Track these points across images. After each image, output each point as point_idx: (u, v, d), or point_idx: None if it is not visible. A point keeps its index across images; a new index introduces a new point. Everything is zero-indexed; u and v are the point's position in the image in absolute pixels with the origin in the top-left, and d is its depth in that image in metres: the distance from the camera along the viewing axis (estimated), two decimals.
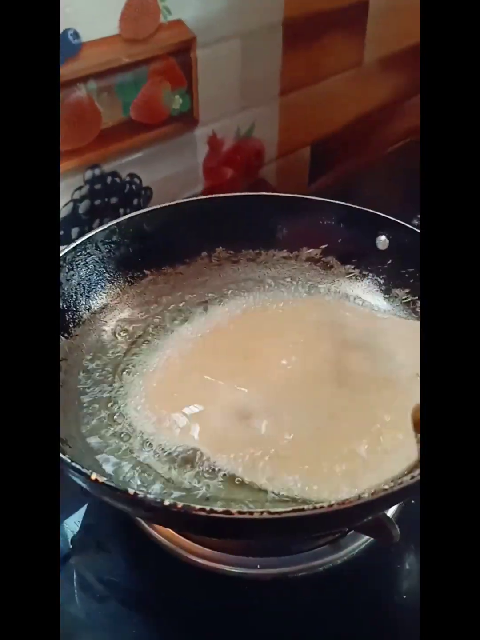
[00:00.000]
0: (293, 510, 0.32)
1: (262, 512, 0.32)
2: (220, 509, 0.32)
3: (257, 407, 0.44)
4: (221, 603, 0.44)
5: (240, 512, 0.32)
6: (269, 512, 0.32)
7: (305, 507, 0.32)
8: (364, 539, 0.47)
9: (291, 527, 0.34)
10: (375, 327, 0.53)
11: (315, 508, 0.32)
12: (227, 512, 0.32)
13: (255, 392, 0.45)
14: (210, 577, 0.45)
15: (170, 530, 0.47)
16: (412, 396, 0.47)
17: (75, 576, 0.46)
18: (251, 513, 0.32)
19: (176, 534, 0.46)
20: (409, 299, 0.55)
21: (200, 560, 0.45)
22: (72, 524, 0.50)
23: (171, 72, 0.73)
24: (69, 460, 0.35)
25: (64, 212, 0.70)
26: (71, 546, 0.48)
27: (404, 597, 0.45)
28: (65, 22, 0.60)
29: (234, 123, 0.84)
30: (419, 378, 0.48)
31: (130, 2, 0.64)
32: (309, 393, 0.46)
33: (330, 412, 0.45)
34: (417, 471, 0.34)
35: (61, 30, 0.60)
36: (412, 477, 0.34)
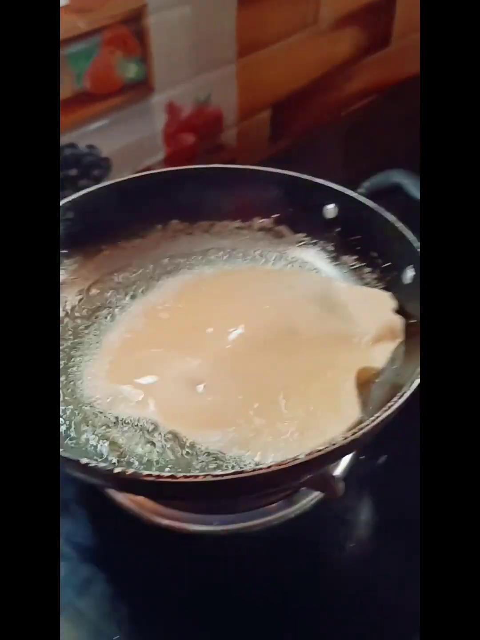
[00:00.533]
0: (234, 473, 0.35)
1: (205, 475, 0.35)
2: (166, 474, 0.35)
3: (207, 374, 0.46)
4: (181, 559, 0.47)
5: (185, 476, 0.35)
6: (212, 475, 0.35)
7: (245, 469, 0.35)
8: (314, 495, 0.50)
9: (233, 489, 0.37)
10: (329, 292, 0.56)
11: (254, 470, 0.35)
12: (173, 476, 0.35)
13: (205, 361, 0.47)
14: (171, 535, 0.48)
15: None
16: (362, 359, 0.50)
17: None
18: (196, 476, 0.35)
19: (137, 495, 0.49)
20: (356, 266, 0.57)
21: (160, 520, 0.48)
22: None
23: (124, 41, 0.73)
24: None
25: None
26: None
27: (351, 545, 0.48)
28: None
29: (192, 89, 0.83)
30: (373, 344, 0.51)
31: None
32: (258, 357, 0.48)
33: (279, 375, 0.47)
34: (351, 432, 0.37)
35: None
36: (345, 439, 0.36)
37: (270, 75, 0.93)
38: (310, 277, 0.57)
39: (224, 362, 0.47)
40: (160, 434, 0.44)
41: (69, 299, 0.56)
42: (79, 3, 0.66)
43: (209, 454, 0.43)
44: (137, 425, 0.45)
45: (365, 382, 0.48)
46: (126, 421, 0.46)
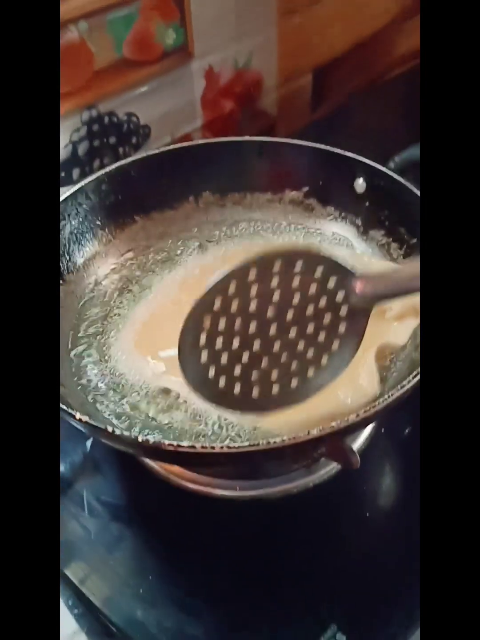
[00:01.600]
0: (249, 445, 0.36)
1: (222, 447, 0.36)
2: (186, 444, 0.36)
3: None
4: (205, 521, 0.50)
5: (203, 447, 0.36)
6: (228, 447, 0.37)
7: (261, 442, 0.36)
8: (334, 465, 0.51)
9: (248, 459, 0.38)
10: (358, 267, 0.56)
11: (268, 443, 0.36)
12: (192, 446, 0.36)
13: None
14: (196, 498, 0.50)
15: None
16: (384, 334, 0.50)
17: (75, 495, 0.52)
18: (213, 447, 0.36)
19: None
20: (384, 241, 0.57)
21: (187, 483, 0.51)
22: (76, 454, 0.55)
23: (163, 6, 0.73)
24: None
25: (63, 154, 0.72)
26: (74, 472, 0.54)
27: (367, 514, 0.50)
28: None
29: (231, 54, 0.83)
30: (396, 320, 0.51)
31: None
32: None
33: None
34: (364, 410, 0.38)
35: None
36: (357, 415, 0.37)
37: (311, 39, 0.91)
38: (340, 252, 0.58)
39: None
40: (182, 404, 0.46)
41: (101, 269, 0.58)
42: None
43: (223, 425, 0.45)
44: (158, 394, 0.47)
45: (386, 356, 0.48)
46: (151, 390, 0.48)
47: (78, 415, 0.38)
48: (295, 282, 0.41)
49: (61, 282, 0.55)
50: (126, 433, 0.38)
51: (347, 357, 0.42)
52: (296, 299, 0.41)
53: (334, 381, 0.43)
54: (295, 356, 0.42)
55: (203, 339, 0.40)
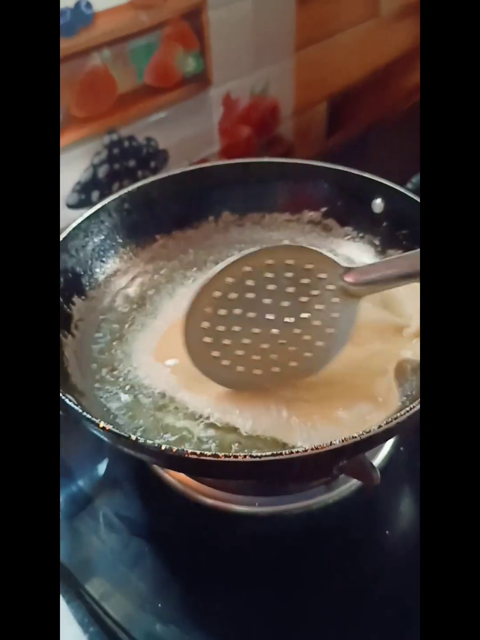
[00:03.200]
0: (271, 455, 0.36)
1: (245, 456, 0.37)
2: (209, 453, 0.37)
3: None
4: (223, 536, 0.50)
5: (225, 456, 0.37)
6: (251, 456, 0.37)
7: (283, 451, 0.36)
8: (353, 482, 0.51)
9: (271, 470, 0.39)
10: None
11: (291, 453, 0.36)
12: (215, 456, 0.37)
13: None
14: (215, 514, 0.50)
15: (180, 473, 0.52)
16: (404, 350, 0.51)
17: (96, 511, 0.52)
18: (236, 456, 0.37)
19: (184, 475, 0.52)
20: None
21: (205, 499, 0.51)
22: (96, 472, 0.56)
23: (183, 35, 0.75)
24: (80, 411, 0.40)
25: (84, 176, 0.73)
26: (94, 490, 0.54)
27: (387, 532, 0.49)
28: None
29: (249, 82, 0.85)
30: (415, 336, 0.52)
31: None
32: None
33: None
34: (386, 422, 0.38)
35: (74, 2, 0.63)
36: (380, 427, 0.38)
37: (328, 68, 0.93)
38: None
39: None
40: (203, 416, 0.47)
41: (125, 285, 0.60)
42: (139, 0, 0.68)
43: (248, 436, 0.45)
44: (173, 403, 0.48)
45: (405, 373, 0.49)
46: (168, 399, 0.49)
47: (102, 424, 0.39)
48: (289, 273, 0.46)
49: (83, 297, 0.56)
50: (150, 441, 0.38)
51: (340, 343, 0.47)
52: (291, 288, 0.46)
53: (328, 365, 0.48)
54: (292, 339, 0.47)
55: (206, 324, 0.45)
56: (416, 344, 0.51)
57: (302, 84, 0.91)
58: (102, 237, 0.59)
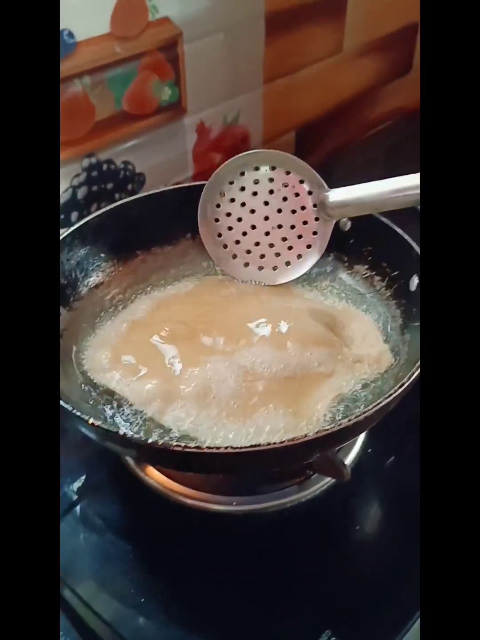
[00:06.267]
0: (251, 446, 0.39)
1: (226, 447, 0.39)
2: (193, 445, 0.39)
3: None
4: (201, 534, 0.52)
5: (208, 447, 0.39)
6: (232, 448, 0.39)
7: (261, 442, 0.39)
8: (326, 481, 0.54)
9: (250, 461, 0.41)
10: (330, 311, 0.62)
11: (269, 444, 0.39)
12: (198, 447, 0.39)
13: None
14: (192, 513, 0.53)
15: (160, 474, 0.54)
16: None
17: (79, 514, 0.54)
18: (217, 448, 0.39)
19: (164, 477, 0.54)
20: (368, 274, 0.62)
21: (183, 499, 0.53)
22: (77, 475, 0.58)
23: (160, 66, 0.78)
24: (71, 409, 0.42)
25: (63, 197, 0.76)
26: (77, 494, 0.56)
27: (356, 528, 0.52)
28: (60, 23, 0.65)
29: (221, 111, 0.89)
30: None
31: (120, 2, 0.69)
32: (264, 352, 0.54)
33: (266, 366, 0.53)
34: (354, 415, 0.41)
35: None
36: (349, 420, 0.41)
37: (295, 101, 0.98)
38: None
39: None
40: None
41: (107, 297, 0.63)
42: (119, 31, 0.72)
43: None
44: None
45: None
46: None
47: (91, 420, 0.41)
48: (284, 182, 0.59)
49: (67, 308, 0.59)
50: (137, 436, 0.40)
51: (311, 260, 0.61)
52: (284, 197, 0.60)
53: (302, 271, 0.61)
54: (278, 243, 0.61)
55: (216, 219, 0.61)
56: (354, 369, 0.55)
57: (271, 114, 0.96)
58: (85, 251, 0.61)
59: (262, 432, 0.48)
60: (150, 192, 0.65)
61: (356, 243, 0.62)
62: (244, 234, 0.61)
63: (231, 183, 0.60)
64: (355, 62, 1.03)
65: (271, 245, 0.61)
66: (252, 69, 0.90)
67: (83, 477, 0.57)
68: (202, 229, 0.62)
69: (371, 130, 1.14)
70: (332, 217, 0.58)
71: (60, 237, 0.59)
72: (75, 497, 0.55)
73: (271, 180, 0.60)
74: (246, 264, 0.62)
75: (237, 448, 0.39)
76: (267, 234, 0.61)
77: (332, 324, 0.59)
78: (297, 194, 0.59)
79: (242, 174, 0.60)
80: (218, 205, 0.61)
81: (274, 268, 0.62)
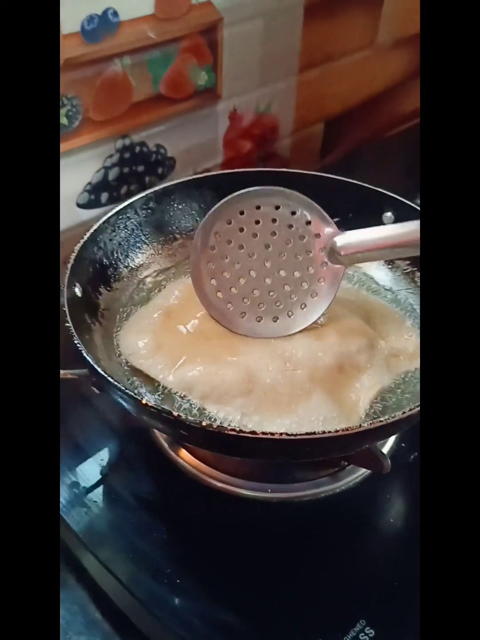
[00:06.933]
0: (306, 434, 0.40)
1: (281, 434, 0.39)
2: (248, 430, 0.39)
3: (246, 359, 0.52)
4: (233, 519, 0.52)
5: (263, 433, 0.39)
6: (287, 434, 0.39)
7: (317, 431, 0.39)
8: (359, 473, 0.54)
9: (302, 448, 0.41)
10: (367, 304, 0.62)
11: (323, 432, 0.39)
12: (253, 432, 0.39)
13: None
14: (225, 497, 0.53)
15: (193, 457, 0.55)
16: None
17: (109, 490, 0.55)
18: (272, 434, 0.39)
19: (197, 460, 0.55)
20: (409, 270, 0.62)
21: (216, 483, 0.54)
22: (109, 452, 0.58)
23: (199, 50, 0.78)
24: (122, 387, 0.42)
25: (95, 178, 0.76)
26: (108, 468, 0.56)
27: (391, 520, 0.53)
28: (105, 2, 0.65)
29: (254, 99, 0.89)
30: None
31: None
32: (302, 341, 0.54)
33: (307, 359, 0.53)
34: (409, 408, 0.41)
35: (102, 9, 0.66)
36: (403, 413, 0.41)
37: (327, 91, 0.98)
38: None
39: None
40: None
41: (146, 279, 0.63)
42: (162, 13, 0.72)
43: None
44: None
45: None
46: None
47: (144, 400, 0.41)
48: (289, 223, 0.53)
49: (108, 288, 0.59)
50: (192, 418, 0.40)
51: (317, 313, 0.54)
52: (288, 240, 0.54)
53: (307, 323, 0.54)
54: (280, 294, 0.54)
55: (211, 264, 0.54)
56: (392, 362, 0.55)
57: (302, 104, 0.96)
58: (127, 232, 0.61)
59: (304, 422, 0.48)
60: (194, 177, 0.65)
61: None
62: (241, 279, 0.54)
63: (229, 223, 0.53)
64: (388, 56, 1.03)
65: (271, 293, 0.54)
66: (288, 57, 0.90)
67: (114, 453, 0.58)
68: (193, 272, 0.54)
69: (400, 127, 1.14)
70: (342, 264, 0.53)
71: (105, 218, 0.59)
72: (106, 471, 0.56)
73: (274, 220, 0.53)
74: (243, 314, 0.54)
75: (292, 435, 0.39)
76: (267, 280, 0.54)
77: (367, 317, 0.59)
78: (302, 237, 0.53)
79: (242, 213, 0.53)
80: (213, 248, 0.54)
81: (275, 319, 0.54)
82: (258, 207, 0.53)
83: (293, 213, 0.53)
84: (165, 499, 0.54)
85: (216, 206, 0.53)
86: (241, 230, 0.54)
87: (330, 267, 0.53)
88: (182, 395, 0.51)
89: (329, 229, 0.53)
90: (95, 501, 0.54)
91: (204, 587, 0.48)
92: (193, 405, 0.50)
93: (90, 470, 0.56)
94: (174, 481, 0.54)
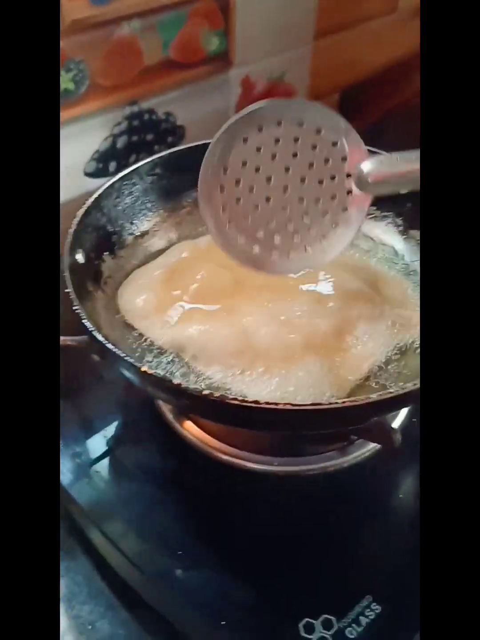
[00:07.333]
0: (312, 404, 0.38)
1: (285, 404, 0.38)
2: (251, 400, 0.38)
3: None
4: (239, 492, 0.51)
5: (267, 403, 0.38)
6: (292, 405, 0.38)
7: (322, 401, 0.38)
8: (368, 448, 0.53)
9: (308, 420, 0.40)
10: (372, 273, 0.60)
11: (330, 403, 0.38)
12: (256, 402, 0.38)
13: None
14: (231, 470, 0.52)
15: (199, 430, 0.53)
16: None
17: (116, 462, 0.54)
18: (276, 404, 0.38)
19: (203, 433, 0.53)
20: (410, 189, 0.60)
21: (222, 456, 0.52)
22: (115, 425, 0.57)
23: (211, 13, 0.76)
24: (122, 355, 0.41)
25: (103, 146, 0.74)
26: (114, 441, 0.55)
27: (400, 497, 0.51)
28: None
29: (267, 66, 0.86)
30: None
31: None
32: (303, 304, 0.53)
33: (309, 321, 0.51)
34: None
35: None
36: (415, 385, 0.39)
37: (343, 60, 0.95)
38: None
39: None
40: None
41: (152, 248, 0.62)
42: None
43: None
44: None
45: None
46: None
47: (144, 368, 0.40)
48: (313, 141, 0.46)
49: (112, 256, 0.57)
50: (193, 386, 0.39)
51: (338, 247, 0.49)
52: (310, 161, 0.47)
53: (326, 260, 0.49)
54: (298, 225, 0.48)
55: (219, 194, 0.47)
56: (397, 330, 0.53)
57: (318, 73, 0.93)
58: (133, 198, 0.60)
59: (302, 389, 0.47)
60: (202, 142, 0.63)
61: (414, 207, 0.60)
62: (256, 207, 0.47)
63: (245, 141, 0.46)
64: (408, 24, 0.99)
65: (288, 224, 0.48)
66: (304, 23, 0.87)
67: (119, 426, 0.57)
68: (201, 199, 0.47)
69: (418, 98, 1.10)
70: (370, 192, 0.47)
71: (109, 183, 0.57)
72: (111, 444, 0.55)
73: (296, 140, 0.46)
74: (254, 246, 0.48)
75: (296, 405, 0.38)
76: (285, 209, 0.48)
77: (373, 282, 0.57)
78: (327, 160, 0.46)
79: (260, 129, 0.45)
80: (225, 170, 0.46)
81: (288, 254, 0.48)
82: (279, 123, 0.45)
83: (318, 131, 0.46)
84: (170, 471, 0.53)
85: (231, 120, 0.46)
86: (258, 149, 0.46)
87: (355, 195, 0.47)
88: (176, 354, 0.51)
89: (358, 151, 0.46)
90: (100, 473, 0.53)
91: (209, 560, 0.47)
92: (184, 365, 0.50)
93: (95, 443, 0.56)
94: (179, 454, 0.53)
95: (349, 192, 0.47)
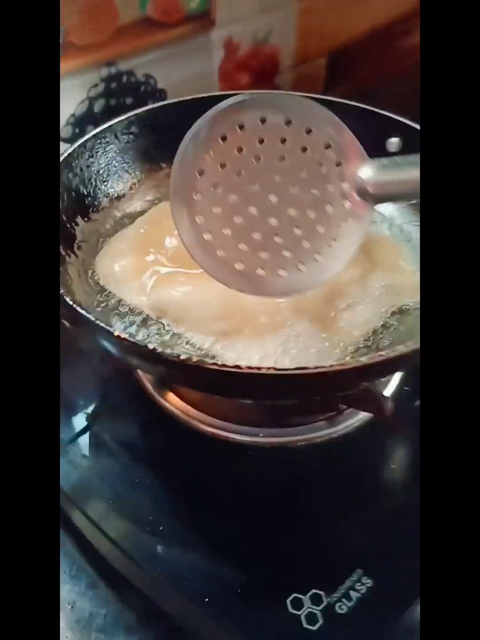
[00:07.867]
0: (296, 368, 0.35)
1: (268, 368, 0.35)
2: (230, 364, 0.35)
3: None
4: (224, 465, 0.49)
5: (249, 368, 0.35)
6: (275, 369, 0.35)
7: (308, 365, 0.35)
8: (357, 418, 0.51)
9: (294, 386, 0.38)
10: None
11: (316, 367, 0.35)
12: (237, 366, 0.35)
13: None
14: (215, 442, 0.50)
15: (181, 401, 0.51)
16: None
17: (95, 439, 0.51)
18: (259, 368, 0.35)
19: (185, 404, 0.51)
20: (415, 202, 0.57)
21: (206, 428, 0.50)
22: (93, 398, 0.55)
23: None
24: (94, 320, 0.38)
25: (79, 110, 0.71)
26: (92, 416, 0.53)
27: (392, 468, 0.49)
28: None
29: (251, 27, 0.83)
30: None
31: None
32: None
33: None
34: (412, 342, 0.37)
35: None
36: (406, 347, 0.37)
37: (331, 21, 0.92)
38: None
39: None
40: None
41: (127, 212, 0.59)
42: None
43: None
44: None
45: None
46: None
47: (117, 333, 0.37)
48: (303, 144, 0.40)
49: (86, 219, 0.55)
50: (168, 351, 0.36)
51: (336, 265, 0.42)
52: (302, 167, 0.41)
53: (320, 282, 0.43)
54: (289, 240, 0.41)
55: (198, 196, 0.40)
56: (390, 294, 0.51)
57: (304, 34, 0.89)
58: (107, 158, 0.57)
59: (290, 354, 0.45)
60: (182, 99, 0.60)
61: None
62: (237, 217, 0.41)
63: (223, 140, 0.39)
64: None
65: (276, 238, 0.41)
66: None
67: (98, 400, 0.55)
68: (173, 206, 0.41)
69: (411, 61, 1.07)
70: (371, 200, 0.40)
71: (81, 141, 0.55)
72: (90, 420, 0.52)
73: (283, 141, 0.40)
74: (237, 264, 0.41)
75: (281, 370, 0.35)
76: (271, 220, 0.41)
77: (367, 248, 0.54)
78: (320, 164, 0.40)
79: (242, 127, 0.39)
80: (201, 172, 0.40)
81: (279, 273, 0.42)
82: (263, 121, 0.39)
83: (308, 131, 0.40)
84: (152, 445, 0.51)
85: (206, 115, 0.40)
86: (239, 150, 0.40)
87: (354, 205, 0.41)
88: (156, 318, 0.49)
89: (355, 156, 0.40)
90: (79, 450, 0.51)
91: (194, 536, 0.45)
92: (167, 332, 0.48)
93: (72, 418, 0.53)
94: (161, 427, 0.52)
95: (347, 200, 0.41)
